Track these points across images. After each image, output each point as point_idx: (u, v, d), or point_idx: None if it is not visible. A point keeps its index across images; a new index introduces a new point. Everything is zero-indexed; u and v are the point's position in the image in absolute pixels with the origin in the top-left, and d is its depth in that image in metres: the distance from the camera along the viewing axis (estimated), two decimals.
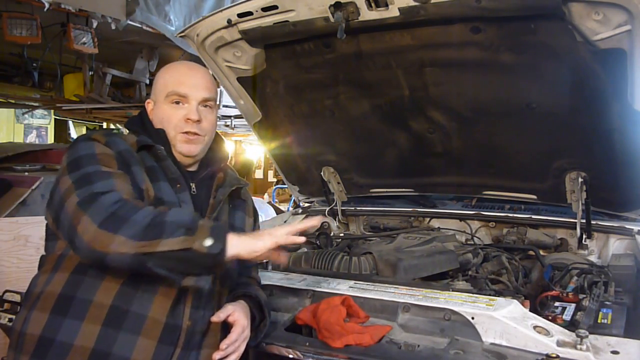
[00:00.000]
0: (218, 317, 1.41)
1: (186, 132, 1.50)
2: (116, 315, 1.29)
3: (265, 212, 5.29)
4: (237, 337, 1.41)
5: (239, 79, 2.44)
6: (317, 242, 2.62)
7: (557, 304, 1.69)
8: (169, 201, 1.40)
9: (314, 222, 1.46)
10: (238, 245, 1.27)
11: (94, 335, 1.27)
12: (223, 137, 1.72)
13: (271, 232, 1.34)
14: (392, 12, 1.86)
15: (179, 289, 1.35)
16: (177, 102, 1.51)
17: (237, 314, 1.44)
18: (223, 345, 1.39)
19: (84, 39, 5.26)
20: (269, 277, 1.84)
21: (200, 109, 1.53)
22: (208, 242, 1.22)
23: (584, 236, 2.32)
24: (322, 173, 2.83)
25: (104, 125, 10.50)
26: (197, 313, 1.39)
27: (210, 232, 1.23)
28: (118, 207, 1.23)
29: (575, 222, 2.33)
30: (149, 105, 1.58)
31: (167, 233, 1.21)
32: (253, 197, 1.86)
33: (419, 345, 1.40)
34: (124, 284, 1.31)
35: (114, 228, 1.20)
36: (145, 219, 1.22)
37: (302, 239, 1.38)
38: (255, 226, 1.75)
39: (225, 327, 1.44)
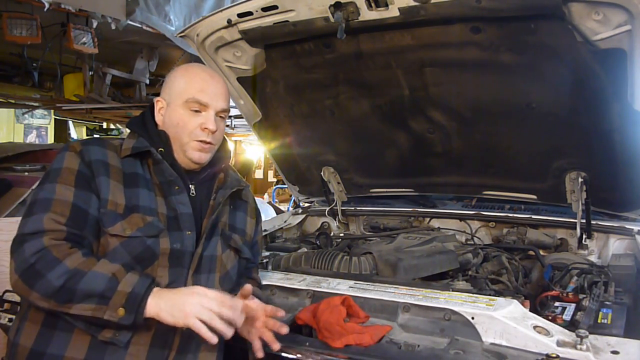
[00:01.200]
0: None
1: (201, 141, 1.49)
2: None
3: (265, 212, 5.28)
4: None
5: (239, 79, 2.44)
6: (317, 242, 2.63)
7: (557, 304, 1.69)
8: (144, 206, 1.39)
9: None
10: (159, 310, 1.24)
11: (85, 345, 1.28)
12: (225, 136, 1.72)
13: (207, 293, 1.27)
14: (392, 12, 1.87)
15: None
16: (196, 110, 1.49)
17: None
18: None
19: (84, 39, 5.26)
20: (269, 277, 1.84)
21: (216, 118, 1.51)
22: (120, 312, 1.23)
23: (584, 236, 2.32)
24: (322, 173, 2.84)
25: (104, 125, 10.52)
26: None
27: (125, 301, 1.22)
28: (37, 259, 1.24)
29: (575, 222, 2.33)
30: (159, 104, 1.54)
31: (78, 299, 1.23)
32: None
33: (419, 345, 1.40)
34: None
35: (30, 283, 1.24)
36: (58, 279, 1.22)
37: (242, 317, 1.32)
38: (258, 228, 1.74)
39: None
